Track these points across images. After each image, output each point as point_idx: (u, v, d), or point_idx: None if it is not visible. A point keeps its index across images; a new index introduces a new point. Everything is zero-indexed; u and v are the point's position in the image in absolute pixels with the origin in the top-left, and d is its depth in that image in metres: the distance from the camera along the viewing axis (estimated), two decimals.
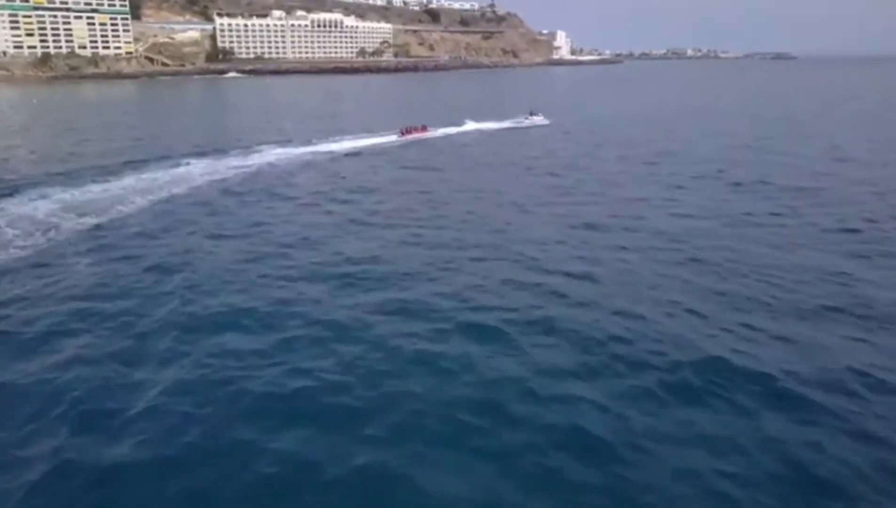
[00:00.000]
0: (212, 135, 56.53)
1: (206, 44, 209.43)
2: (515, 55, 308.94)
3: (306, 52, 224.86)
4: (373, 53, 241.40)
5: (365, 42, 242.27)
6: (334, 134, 55.24)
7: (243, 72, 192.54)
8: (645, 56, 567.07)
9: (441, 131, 58.24)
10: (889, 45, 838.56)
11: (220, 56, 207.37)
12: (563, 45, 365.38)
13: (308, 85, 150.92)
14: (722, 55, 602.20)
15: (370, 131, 56.31)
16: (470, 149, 49.86)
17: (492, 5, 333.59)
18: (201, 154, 43.49)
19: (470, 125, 62.03)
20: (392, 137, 53.59)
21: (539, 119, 64.79)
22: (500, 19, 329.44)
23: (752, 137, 53.44)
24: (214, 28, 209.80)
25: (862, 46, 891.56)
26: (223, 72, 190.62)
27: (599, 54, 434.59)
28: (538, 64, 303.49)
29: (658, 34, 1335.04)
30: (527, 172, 38.69)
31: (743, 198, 30.90)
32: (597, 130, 61.56)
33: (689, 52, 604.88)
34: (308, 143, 50.25)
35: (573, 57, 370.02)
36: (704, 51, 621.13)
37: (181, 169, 38.01)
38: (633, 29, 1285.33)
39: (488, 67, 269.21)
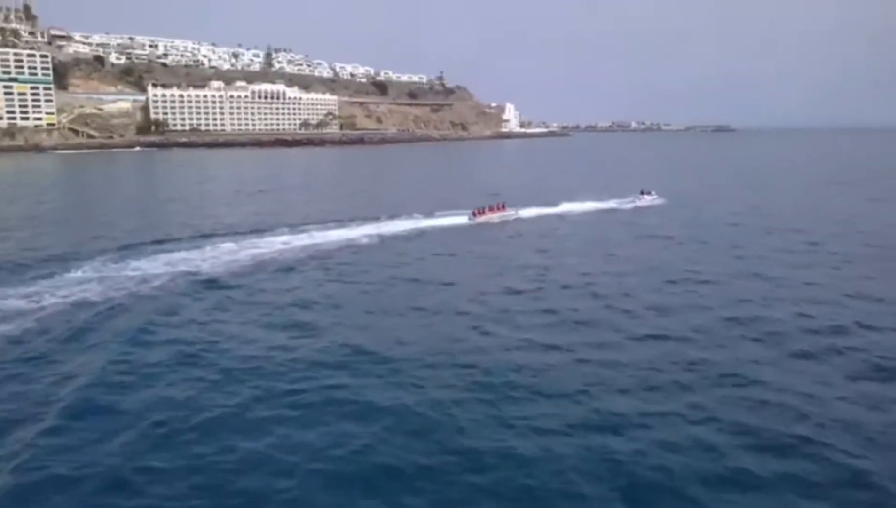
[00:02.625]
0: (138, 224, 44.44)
1: (138, 115, 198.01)
2: (465, 128, 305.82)
3: (246, 124, 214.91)
4: (317, 125, 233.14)
5: (309, 114, 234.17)
6: (381, 214, 47.00)
7: (153, 145, 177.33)
8: (591, 128, 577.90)
9: (525, 213, 49.43)
10: (808, 118, 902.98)
11: (153, 128, 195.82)
12: (511, 117, 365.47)
13: (259, 158, 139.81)
14: (665, 127, 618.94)
15: (428, 213, 47.87)
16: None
17: (440, 78, 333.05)
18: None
19: (564, 206, 53.61)
20: (462, 219, 45.39)
21: (651, 198, 56.91)
22: (449, 92, 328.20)
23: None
24: (147, 99, 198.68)
25: (787, 119, 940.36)
26: (131, 146, 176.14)
27: (547, 127, 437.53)
28: (487, 137, 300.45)
29: (603, 107, 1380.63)
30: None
31: None
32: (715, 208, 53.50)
33: (633, 125, 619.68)
34: (361, 221, 43.69)
35: (522, 130, 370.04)
36: (648, 123, 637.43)
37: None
38: (579, 101, 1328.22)
39: (437, 139, 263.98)
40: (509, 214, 47.58)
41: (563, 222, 47.40)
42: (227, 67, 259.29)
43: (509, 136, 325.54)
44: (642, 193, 57.76)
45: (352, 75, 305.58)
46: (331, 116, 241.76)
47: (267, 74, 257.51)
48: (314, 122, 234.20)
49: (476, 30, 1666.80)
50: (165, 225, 44.26)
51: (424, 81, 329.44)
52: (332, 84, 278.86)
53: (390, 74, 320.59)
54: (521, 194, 61.31)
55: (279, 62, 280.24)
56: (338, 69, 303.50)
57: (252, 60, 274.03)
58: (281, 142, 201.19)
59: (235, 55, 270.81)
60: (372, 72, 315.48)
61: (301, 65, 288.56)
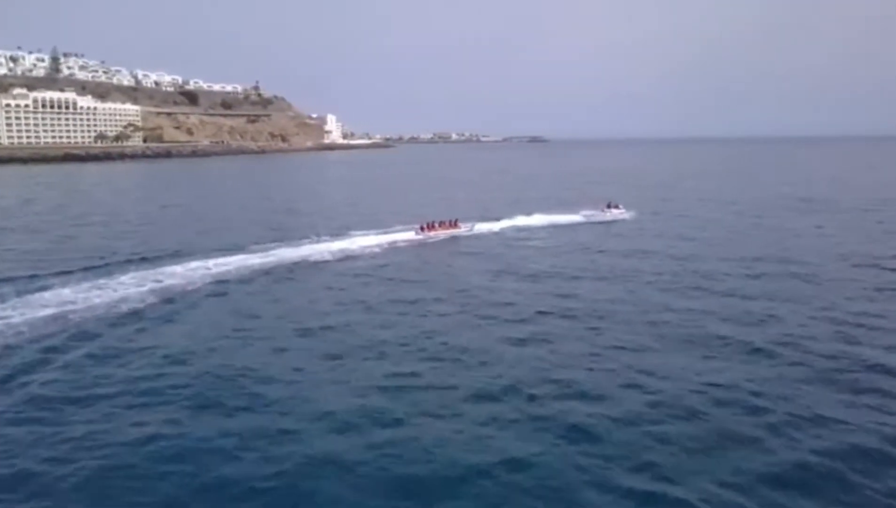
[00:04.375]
0: None
1: None
2: (284, 139, 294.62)
3: (28, 137, 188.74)
4: (116, 138, 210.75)
5: (106, 125, 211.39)
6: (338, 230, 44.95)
7: None
8: (414, 140, 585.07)
9: (484, 227, 46.98)
10: (608, 130, 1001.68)
11: None
12: (333, 128, 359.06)
13: (40, 176, 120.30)
14: (483, 139, 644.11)
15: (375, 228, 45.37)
16: None
17: (256, 87, 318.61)
18: None
19: (521, 219, 51.32)
20: (409, 234, 42.75)
21: (619, 212, 54.61)
22: (267, 102, 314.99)
23: None
24: None
25: (590, 131, 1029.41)
26: None
27: (370, 138, 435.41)
28: (309, 148, 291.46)
29: (424, 119, 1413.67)
30: None
31: None
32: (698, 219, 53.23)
33: (454, 137, 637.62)
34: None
35: (345, 141, 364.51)
36: (467, 135, 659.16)
37: None
38: (401, 113, 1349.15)
39: (256, 151, 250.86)
40: (462, 230, 45.04)
41: (528, 237, 44.73)
42: (3, 71, 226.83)
43: (332, 147, 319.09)
44: (609, 205, 55.63)
45: (157, 84, 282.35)
46: (132, 128, 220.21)
47: (55, 81, 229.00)
48: (112, 134, 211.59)
49: (293, 39, 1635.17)
50: None
51: (239, 90, 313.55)
52: (133, 93, 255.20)
53: (201, 82, 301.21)
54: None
55: (69, 68, 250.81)
56: (140, 77, 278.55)
57: (35, 65, 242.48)
58: (72, 157, 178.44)
59: (14, 59, 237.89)
60: (180, 80, 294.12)
61: (96, 71, 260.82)
